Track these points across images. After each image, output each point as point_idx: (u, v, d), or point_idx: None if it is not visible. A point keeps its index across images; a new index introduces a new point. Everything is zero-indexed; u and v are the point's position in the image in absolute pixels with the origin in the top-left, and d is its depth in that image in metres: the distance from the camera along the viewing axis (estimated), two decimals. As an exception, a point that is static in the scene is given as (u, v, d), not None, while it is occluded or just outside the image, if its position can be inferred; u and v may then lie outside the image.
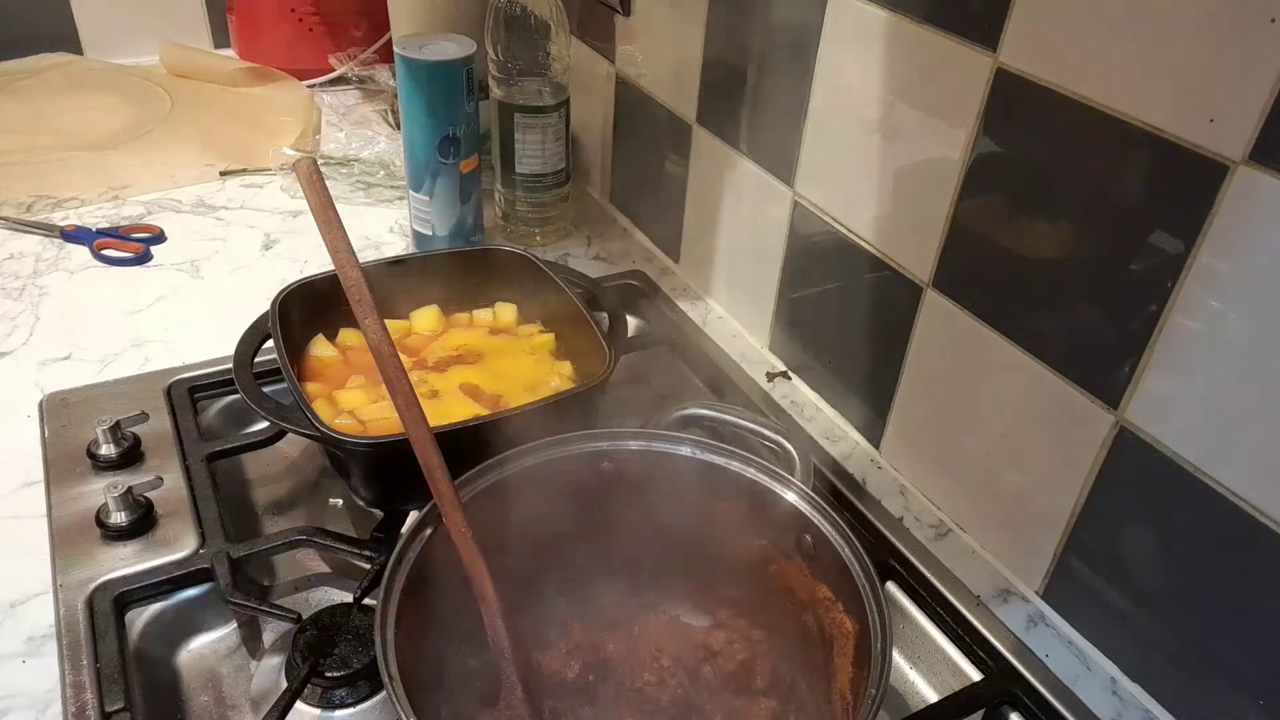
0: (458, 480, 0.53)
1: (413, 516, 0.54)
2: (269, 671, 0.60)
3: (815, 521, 0.55)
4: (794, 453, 0.61)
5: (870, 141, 0.68)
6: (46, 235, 0.95)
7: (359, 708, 0.57)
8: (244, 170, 1.08)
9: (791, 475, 0.57)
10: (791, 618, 0.57)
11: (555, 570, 0.60)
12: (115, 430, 0.69)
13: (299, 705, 0.56)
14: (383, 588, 0.49)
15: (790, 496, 0.56)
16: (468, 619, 0.53)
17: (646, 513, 0.59)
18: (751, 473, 0.57)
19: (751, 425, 0.64)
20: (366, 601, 0.60)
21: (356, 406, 0.68)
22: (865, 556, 0.52)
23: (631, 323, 0.88)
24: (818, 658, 0.56)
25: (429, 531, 0.52)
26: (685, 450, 0.59)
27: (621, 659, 0.58)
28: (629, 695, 0.56)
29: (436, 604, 0.52)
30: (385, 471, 0.65)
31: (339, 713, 0.57)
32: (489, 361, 0.74)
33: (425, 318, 0.78)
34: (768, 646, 0.59)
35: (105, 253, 0.93)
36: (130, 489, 0.64)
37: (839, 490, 0.71)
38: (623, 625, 0.60)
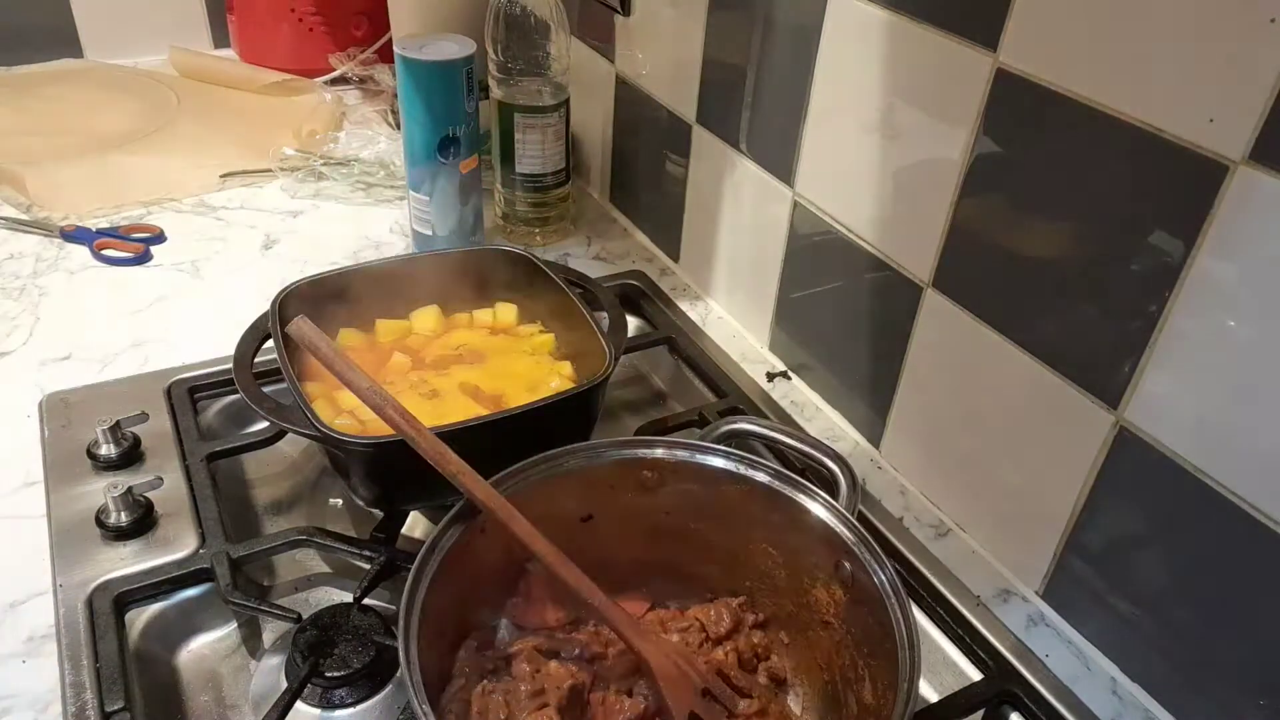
0: (495, 476, 0.53)
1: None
2: (269, 671, 0.60)
3: (855, 550, 0.53)
4: (840, 476, 0.60)
5: (870, 141, 0.68)
6: (46, 235, 0.95)
7: (359, 708, 0.57)
8: (245, 171, 1.08)
9: (835, 499, 0.56)
10: (820, 637, 0.57)
11: (587, 573, 0.59)
12: (115, 430, 0.69)
13: (299, 705, 0.56)
14: (411, 574, 0.49)
15: (833, 522, 0.55)
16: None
17: (686, 525, 0.59)
18: (794, 493, 0.56)
19: (799, 445, 0.63)
20: (366, 601, 0.60)
21: (356, 406, 0.68)
22: (902, 591, 0.50)
23: (631, 323, 0.88)
24: (842, 672, 0.55)
25: (461, 526, 0.52)
26: (731, 465, 0.58)
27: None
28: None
29: (457, 602, 0.52)
30: (385, 471, 0.64)
31: (339, 713, 0.57)
32: (489, 361, 0.74)
33: (425, 318, 0.78)
34: (795, 659, 0.58)
35: (105, 253, 0.93)
36: (130, 489, 0.64)
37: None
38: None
